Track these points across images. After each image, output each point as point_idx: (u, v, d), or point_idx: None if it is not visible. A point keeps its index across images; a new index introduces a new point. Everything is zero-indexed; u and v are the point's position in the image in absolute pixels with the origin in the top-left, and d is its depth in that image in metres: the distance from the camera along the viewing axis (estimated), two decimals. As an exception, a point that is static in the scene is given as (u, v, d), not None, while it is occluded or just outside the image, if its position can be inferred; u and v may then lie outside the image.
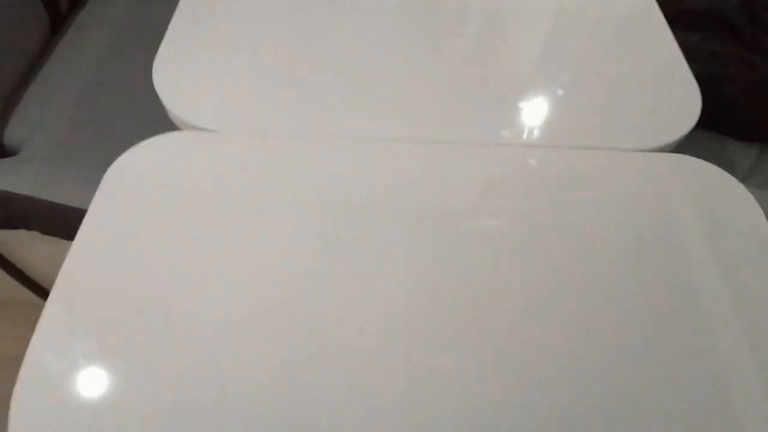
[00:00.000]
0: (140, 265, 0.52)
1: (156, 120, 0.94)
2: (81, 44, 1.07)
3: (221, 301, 0.50)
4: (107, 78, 1.02)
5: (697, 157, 0.63)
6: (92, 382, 0.46)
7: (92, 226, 0.55)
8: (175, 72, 0.67)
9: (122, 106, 0.98)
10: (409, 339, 0.48)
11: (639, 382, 0.47)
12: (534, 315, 0.50)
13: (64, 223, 0.93)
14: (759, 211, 0.58)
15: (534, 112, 0.65)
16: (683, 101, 0.66)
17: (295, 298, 0.50)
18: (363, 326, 0.49)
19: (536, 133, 0.63)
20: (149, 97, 0.99)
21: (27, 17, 1.01)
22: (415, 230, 0.55)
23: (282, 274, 0.51)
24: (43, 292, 1.22)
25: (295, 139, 0.61)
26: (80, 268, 0.52)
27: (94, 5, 1.14)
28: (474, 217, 0.57)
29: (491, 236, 0.55)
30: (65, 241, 0.97)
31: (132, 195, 0.57)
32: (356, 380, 0.46)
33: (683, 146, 0.65)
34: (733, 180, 0.61)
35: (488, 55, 0.72)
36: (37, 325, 0.49)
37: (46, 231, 0.96)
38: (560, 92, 0.67)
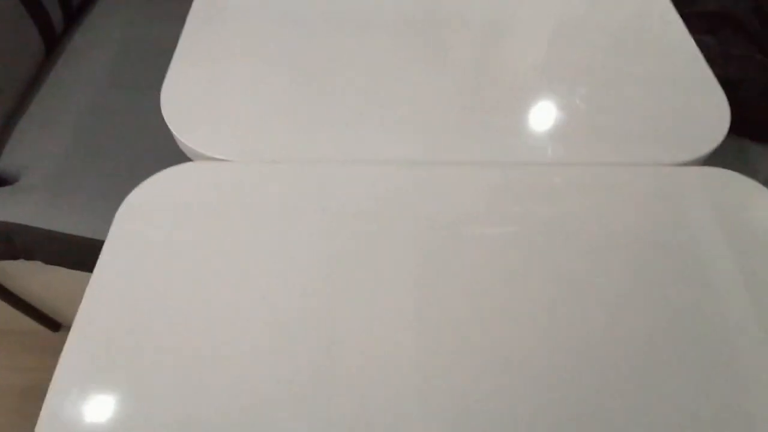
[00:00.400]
0: (161, 297, 0.50)
1: (158, 145, 0.92)
2: (77, 66, 1.04)
3: (242, 328, 0.49)
4: (106, 101, 0.99)
5: (719, 161, 0.62)
6: (114, 417, 0.44)
7: (110, 258, 0.53)
8: (183, 102, 0.64)
9: (122, 131, 0.95)
10: (422, 353, 0.47)
11: (672, 403, 0.45)
12: (567, 334, 0.48)
13: (66, 252, 0.90)
14: None
15: (563, 128, 0.63)
16: (711, 113, 0.64)
17: (312, 320, 0.49)
18: (379, 346, 0.48)
19: (567, 150, 0.61)
20: (149, 120, 0.96)
21: (19, 39, 0.98)
22: (432, 253, 0.53)
23: (300, 299, 0.50)
24: (46, 320, 1.19)
25: (308, 165, 0.59)
26: (100, 301, 0.50)
27: (90, 26, 1.11)
28: (500, 238, 0.55)
29: (519, 256, 0.53)
30: (67, 269, 0.94)
31: (148, 227, 0.54)
32: (372, 392, 0.46)
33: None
34: (766, 191, 0.59)
35: (507, 73, 0.70)
36: (59, 359, 0.48)
37: (48, 261, 0.93)
38: (587, 108, 0.65)
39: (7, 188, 0.89)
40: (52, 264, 0.93)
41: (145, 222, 0.55)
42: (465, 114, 0.64)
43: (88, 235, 0.87)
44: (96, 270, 0.52)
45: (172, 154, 0.93)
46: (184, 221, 0.55)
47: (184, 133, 0.61)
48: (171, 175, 0.58)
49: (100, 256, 0.53)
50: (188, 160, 0.90)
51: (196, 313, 0.49)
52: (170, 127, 0.61)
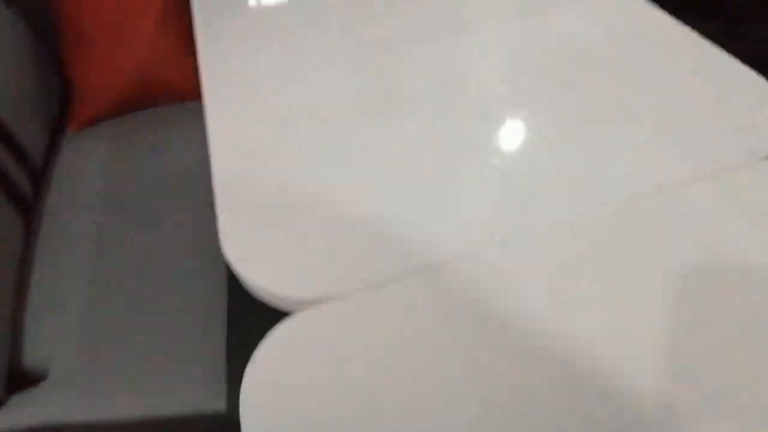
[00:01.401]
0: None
1: (174, 298, 0.84)
2: (64, 230, 0.95)
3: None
4: (106, 262, 0.90)
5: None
6: None
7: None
8: (251, 248, 0.59)
9: (134, 288, 0.87)
10: None
11: None
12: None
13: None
14: None
15: (674, 147, 0.65)
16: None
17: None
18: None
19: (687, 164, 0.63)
20: (159, 271, 0.88)
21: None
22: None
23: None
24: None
25: (411, 277, 0.56)
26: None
27: (59, 183, 1.00)
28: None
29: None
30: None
31: (284, 395, 0.49)
32: None
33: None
34: None
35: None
36: None
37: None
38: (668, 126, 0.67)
39: (40, 387, 0.79)
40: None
41: (278, 392, 0.49)
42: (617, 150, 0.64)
43: (138, 414, 0.79)
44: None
45: (196, 307, 0.85)
46: (320, 377, 0.50)
47: (272, 284, 0.56)
48: (287, 331, 0.53)
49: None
50: (238, 309, 0.84)
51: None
52: (250, 281, 0.56)
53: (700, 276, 0.54)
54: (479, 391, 0.48)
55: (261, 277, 0.56)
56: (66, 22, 1.03)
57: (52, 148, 1.05)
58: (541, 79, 0.76)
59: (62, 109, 1.10)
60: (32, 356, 0.82)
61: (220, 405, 0.76)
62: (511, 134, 0.69)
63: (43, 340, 0.83)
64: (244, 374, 0.51)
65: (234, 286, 0.84)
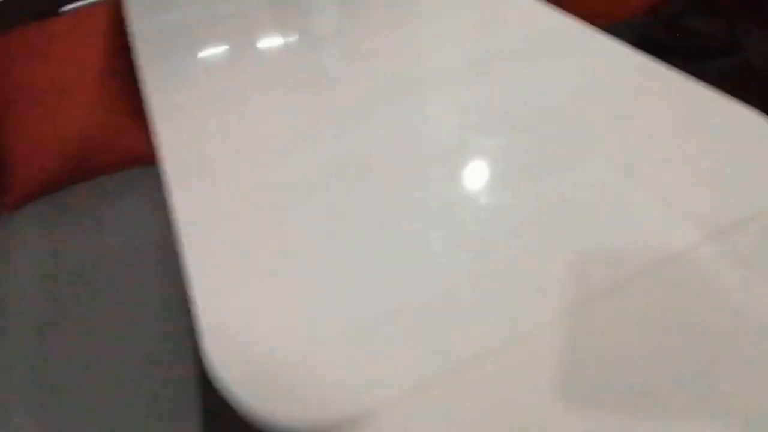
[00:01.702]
0: None
1: (137, 399, 0.74)
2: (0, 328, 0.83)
3: None
4: (51, 362, 0.79)
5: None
6: None
7: None
8: (249, 367, 0.51)
9: (84, 393, 0.76)
10: None
11: None
12: None
13: None
14: None
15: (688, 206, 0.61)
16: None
17: None
18: None
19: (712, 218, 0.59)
20: (111, 368, 0.77)
21: None
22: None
23: None
24: None
25: (444, 378, 0.49)
26: None
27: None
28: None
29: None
30: None
31: None
32: None
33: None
34: None
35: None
36: None
37: None
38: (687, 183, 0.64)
39: None
40: None
41: None
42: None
43: None
44: None
45: (162, 411, 0.75)
46: None
47: (286, 409, 0.48)
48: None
49: None
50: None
51: None
52: (263, 414, 0.48)
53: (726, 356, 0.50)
54: None
55: (267, 406, 0.48)
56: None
57: (-19, 234, 0.92)
58: (511, 140, 0.71)
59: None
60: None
61: None
62: (484, 208, 0.64)
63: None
64: None
65: (206, 389, 0.75)
